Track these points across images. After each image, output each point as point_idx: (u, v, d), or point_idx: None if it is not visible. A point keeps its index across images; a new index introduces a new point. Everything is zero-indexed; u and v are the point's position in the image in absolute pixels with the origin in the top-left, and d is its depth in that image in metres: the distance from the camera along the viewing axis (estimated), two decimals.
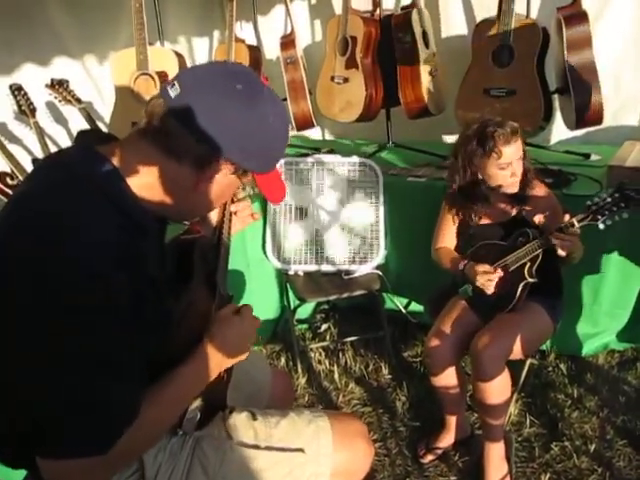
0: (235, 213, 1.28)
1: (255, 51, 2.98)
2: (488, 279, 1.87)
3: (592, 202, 1.70)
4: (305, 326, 2.92)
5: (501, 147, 1.84)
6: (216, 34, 3.44)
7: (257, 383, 1.45)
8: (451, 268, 2.06)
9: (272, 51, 3.26)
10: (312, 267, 2.61)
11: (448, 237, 2.14)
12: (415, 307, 2.80)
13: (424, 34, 2.64)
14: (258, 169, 1.00)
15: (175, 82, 0.92)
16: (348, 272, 2.61)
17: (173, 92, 0.91)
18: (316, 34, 3.27)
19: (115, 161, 0.92)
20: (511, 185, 1.92)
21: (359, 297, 2.60)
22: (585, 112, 2.40)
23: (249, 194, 1.19)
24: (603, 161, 2.57)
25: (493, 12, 2.58)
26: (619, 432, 2.07)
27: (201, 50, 3.42)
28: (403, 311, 2.76)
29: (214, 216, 1.27)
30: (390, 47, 2.63)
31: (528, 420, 2.15)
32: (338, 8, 2.93)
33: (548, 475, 1.94)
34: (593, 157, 2.64)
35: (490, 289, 1.89)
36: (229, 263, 1.27)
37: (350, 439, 1.22)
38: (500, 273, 1.88)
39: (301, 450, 1.14)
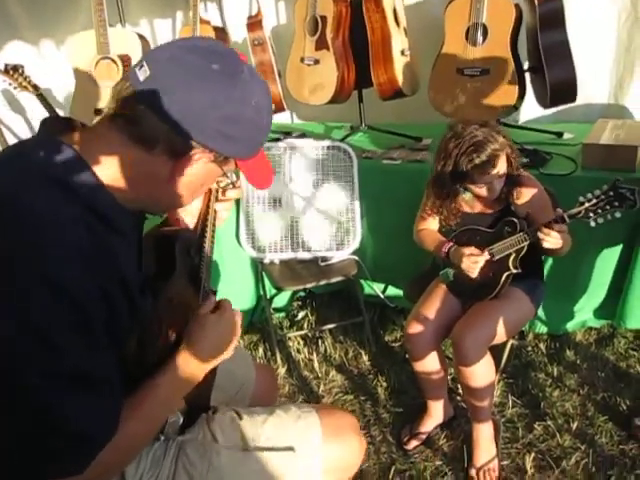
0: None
1: (221, 33, 2.87)
2: (474, 261, 1.84)
3: (585, 198, 1.67)
4: (282, 315, 2.87)
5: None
6: (179, 15, 3.31)
7: (240, 380, 1.39)
8: (435, 250, 2.03)
9: (238, 33, 3.15)
10: (288, 255, 2.56)
11: (431, 219, 2.10)
12: (393, 291, 2.77)
13: (395, 12, 2.57)
14: (240, 155, 0.93)
15: (144, 63, 0.84)
16: (325, 259, 2.56)
17: (142, 74, 0.83)
18: (283, 14, 3.17)
19: (80, 150, 0.84)
20: (491, 196, 1.88)
21: (336, 283, 2.56)
22: (559, 90, 2.38)
23: (231, 181, 1.10)
24: (576, 139, 2.57)
25: None
26: (600, 409, 2.09)
27: (164, 32, 3.29)
28: (381, 296, 2.73)
29: (196, 205, 1.18)
30: (361, 26, 2.56)
31: (510, 401, 2.15)
32: None
33: (533, 455, 1.94)
34: (566, 135, 2.64)
35: (474, 272, 1.86)
36: None
37: (341, 434, 1.17)
38: (487, 256, 1.85)
39: (291, 449, 1.09)
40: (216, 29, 2.84)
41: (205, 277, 1.16)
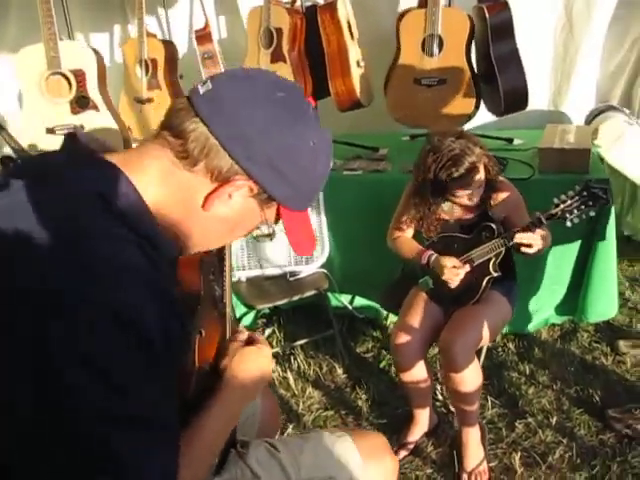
0: None
1: (170, 46, 2.78)
2: (456, 274, 1.86)
3: (559, 200, 1.73)
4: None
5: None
6: (117, 29, 3.18)
7: (248, 409, 1.32)
8: (413, 258, 2.03)
9: (183, 46, 3.06)
10: (255, 272, 2.49)
11: (408, 227, 2.10)
12: (360, 302, 2.77)
13: (349, 23, 2.59)
14: (287, 201, 0.83)
15: (208, 80, 0.79)
16: (293, 273, 2.52)
17: (203, 88, 0.77)
18: (230, 27, 3.11)
19: (123, 168, 0.76)
20: (471, 204, 1.92)
21: (301, 298, 2.52)
22: (512, 98, 2.48)
23: (269, 232, 0.97)
24: (527, 145, 2.69)
25: (411, 3, 2.61)
26: (574, 402, 2.17)
27: (101, 47, 3.14)
28: (349, 308, 2.72)
29: None
30: (316, 38, 2.55)
31: (489, 402, 2.19)
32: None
33: (519, 454, 1.98)
34: (516, 141, 2.75)
35: (455, 283, 1.89)
36: None
37: (377, 455, 1.14)
38: (467, 268, 1.88)
39: (332, 478, 1.04)
40: (164, 42, 2.74)
41: (230, 304, 1.10)
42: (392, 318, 2.62)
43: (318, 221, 2.54)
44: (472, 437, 1.93)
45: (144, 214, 0.76)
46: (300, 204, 0.85)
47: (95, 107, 2.13)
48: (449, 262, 1.89)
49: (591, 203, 1.70)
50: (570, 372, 2.32)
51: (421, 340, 1.96)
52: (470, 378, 1.84)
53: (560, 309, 2.55)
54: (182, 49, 3.06)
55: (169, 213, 0.80)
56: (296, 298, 2.42)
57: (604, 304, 2.41)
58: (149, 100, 2.71)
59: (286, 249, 2.54)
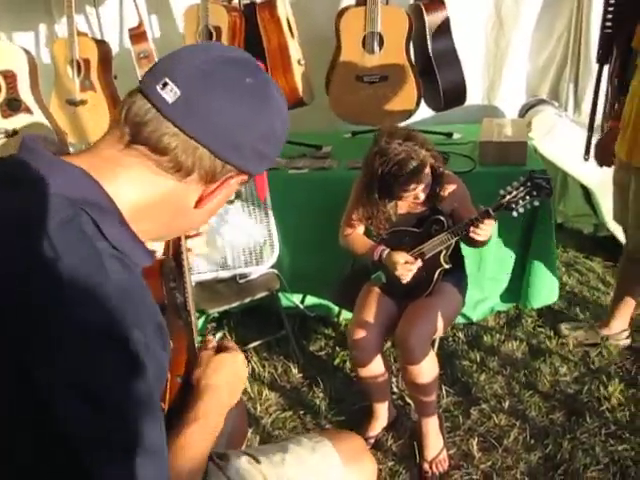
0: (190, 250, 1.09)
1: (103, 46, 2.66)
2: (408, 269, 1.89)
3: (505, 191, 1.78)
4: (198, 339, 2.72)
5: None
6: (42, 29, 3.02)
7: None
8: (365, 254, 2.05)
9: (114, 45, 2.95)
10: (206, 275, 2.43)
11: (359, 223, 2.11)
12: (311, 301, 2.76)
13: (288, 22, 2.57)
14: (262, 171, 0.86)
15: (167, 81, 0.72)
16: (243, 275, 2.48)
17: (169, 95, 0.72)
18: (165, 25, 3.02)
19: (101, 181, 0.71)
20: (417, 202, 1.95)
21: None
22: (452, 93, 2.55)
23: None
24: (465, 138, 2.77)
25: (349, 1, 2.63)
26: (524, 385, 2.25)
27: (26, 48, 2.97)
28: (301, 307, 2.71)
29: None
30: (256, 36, 2.52)
31: (444, 391, 2.24)
32: None
33: (476, 439, 2.04)
34: (455, 135, 2.82)
35: (407, 279, 1.91)
36: None
37: (356, 457, 1.14)
38: (420, 263, 1.91)
39: None
40: (97, 41, 2.62)
41: (193, 312, 1.06)
42: (344, 315, 2.64)
43: (267, 222, 2.51)
44: (431, 427, 1.97)
45: (120, 224, 0.72)
46: (267, 166, 0.87)
47: (28, 110, 2.01)
48: (401, 258, 1.91)
49: (535, 193, 1.76)
50: (518, 357, 2.41)
51: (377, 335, 1.97)
52: (427, 369, 1.87)
53: (505, 297, 2.64)
54: (114, 48, 2.95)
55: (150, 220, 0.77)
56: (248, 300, 2.39)
57: (546, 290, 2.52)
58: (82, 102, 2.59)
59: (236, 252, 2.50)
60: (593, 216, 3.12)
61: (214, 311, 2.44)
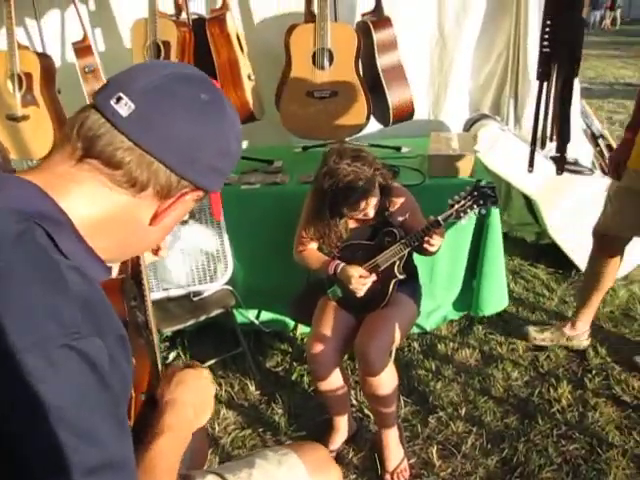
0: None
1: (46, 59, 2.58)
2: (363, 283, 1.91)
3: (453, 200, 1.83)
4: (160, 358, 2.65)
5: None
6: None
7: None
8: (320, 269, 2.06)
9: (56, 59, 2.85)
10: (159, 294, 2.38)
11: (310, 240, 2.12)
12: (266, 316, 2.74)
13: (238, 37, 2.57)
14: (218, 187, 0.85)
15: (122, 95, 0.71)
16: (197, 293, 2.44)
17: (124, 109, 0.71)
18: (110, 39, 2.96)
19: (54, 196, 0.70)
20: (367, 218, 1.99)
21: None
22: (400, 109, 2.61)
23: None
24: (414, 152, 2.84)
25: (299, 17, 2.65)
26: (478, 392, 2.31)
27: None
28: (256, 322, 2.69)
29: None
30: (206, 51, 2.50)
31: (402, 401, 2.27)
32: (131, 11, 2.69)
33: (435, 447, 2.07)
34: (404, 149, 2.89)
35: (362, 293, 1.94)
36: None
37: (321, 468, 1.13)
38: (374, 277, 1.93)
39: None
40: (39, 55, 2.54)
41: (155, 331, 1.05)
42: (301, 329, 2.64)
43: (220, 238, 2.48)
44: (392, 438, 1.99)
45: (76, 238, 0.71)
46: (222, 183, 0.87)
47: None
48: (356, 272, 1.93)
49: (482, 202, 1.83)
50: (471, 364, 2.47)
51: (336, 348, 1.98)
52: (387, 380, 1.89)
53: (457, 305, 2.71)
54: (57, 62, 2.86)
55: (105, 236, 0.75)
56: (202, 318, 2.35)
57: (496, 297, 2.60)
58: (24, 117, 2.49)
59: (189, 269, 2.46)
60: (535, 225, 3.26)
61: (168, 330, 2.38)
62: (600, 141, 3.44)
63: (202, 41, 2.50)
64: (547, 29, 2.21)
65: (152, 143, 0.72)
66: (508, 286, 2.84)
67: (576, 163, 2.97)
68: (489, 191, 1.82)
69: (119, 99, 0.72)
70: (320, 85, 2.52)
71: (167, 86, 0.74)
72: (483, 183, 1.85)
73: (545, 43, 2.24)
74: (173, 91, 0.74)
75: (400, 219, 2.03)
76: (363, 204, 1.89)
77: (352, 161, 1.86)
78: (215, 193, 0.92)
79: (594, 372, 2.36)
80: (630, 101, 8.06)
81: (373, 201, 1.92)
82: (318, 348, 1.96)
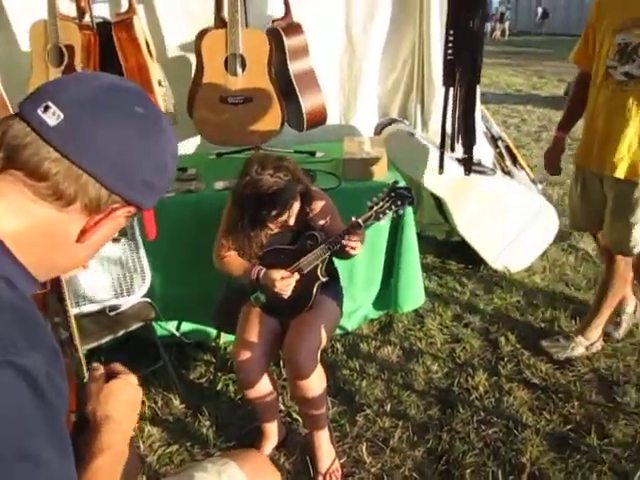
0: None
1: None
2: (287, 284, 1.92)
3: (372, 202, 1.88)
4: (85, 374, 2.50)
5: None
6: None
7: None
8: (243, 276, 2.04)
9: None
10: (71, 310, 2.25)
11: (231, 248, 2.09)
12: (187, 327, 2.68)
13: (147, 42, 2.50)
14: (151, 204, 0.82)
15: (50, 104, 0.68)
16: (114, 307, 2.34)
17: (51, 119, 0.67)
18: (4, 42, 2.77)
19: None
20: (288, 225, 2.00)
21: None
22: (313, 114, 2.64)
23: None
24: (327, 156, 2.88)
25: (208, 22, 2.63)
26: (401, 387, 2.38)
27: None
28: (177, 334, 2.62)
29: None
30: (113, 57, 2.42)
31: (329, 401, 2.29)
32: (27, 13, 2.54)
33: (364, 445, 2.11)
34: (318, 154, 2.93)
35: (287, 294, 1.94)
36: None
37: (261, 474, 1.13)
38: (297, 276, 1.94)
39: None
40: None
41: (79, 344, 1.00)
42: (224, 338, 2.59)
43: (136, 250, 2.39)
44: (323, 440, 2.00)
45: (2, 250, 0.67)
46: (156, 200, 0.84)
47: None
48: (278, 274, 1.94)
49: (399, 202, 1.89)
50: (393, 360, 2.54)
51: (262, 354, 1.97)
52: (316, 383, 1.91)
53: (376, 304, 2.78)
54: None
55: (30, 252, 0.71)
56: (121, 333, 2.25)
57: (413, 295, 2.70)
58: None
59: (104, 283, 2.35)
60: (445, 224, 3.41)
61: (84, 348, 2.26)
62: (499, 143, 3.67)
63: (108, 46, 2.41)
64: (450, 38, 2.34)
65: (81, 155, 0.68)
66: (423, 283, 2.95)
67: (480, 164, 3.15)
68: (405, 192, 1.89)
69: (47, 108, 0.68)
70: (233, 91, 2.50)
71: (99, 97, 0.71)
72: (399, 184, 1.92)
73: (449, 51, 2.37)
74: (105, 102, 0.71)
75: (321, 223, 2.05)
76: (286, 215, 1.91)
77: (274, 171, 1.85)
78: (148, 210, 0.89)
79: (506, 359, 2.51)
80: (522, 106, 8.69)
81: (295, 210, 1.95)
82: (244, 355, 1.94)
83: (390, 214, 1.90)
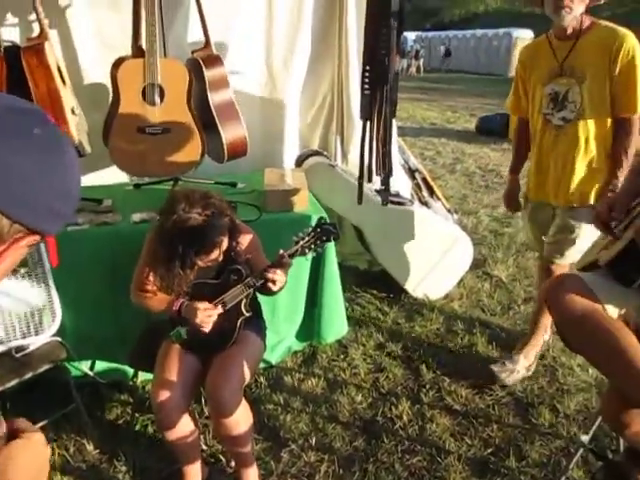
0: None
1: None
2: (209, 315, 1.87)
3: (298, 237, 1.88)
4: None
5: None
6: None
7: None
8: (164, 310, 1.97)
9: None
10: None
11: (152, 284, 2.02)
12: (102, 366, 2.54)
13: (59, 70, 2.41)
14: (56, 231, 0.77)
15: None
16: (20, 348, 2.17)
17: None
18: None
19: None
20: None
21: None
22: (234, 146, 2.63)
23: None
24: (249, 187, 2.87)
25: (125, 50, 2.58)
26: (326, 419, 2.36)
27: None
28: (90, 374, 2.47)
29: None
30: (22, 83, 2.30)
31: (253, 439, 2.23)
32: None
33: None
34: (239, 185, 2.91)
35: (209, 326, 1.89)
36: None
37: None
38: (220, 309, 1.90)
39: None
40: None
41: None
42: (142, 377, 2.48)
43: (45, 284, 2.26)
44: (252, 476, 1.95)
45: None
46: (61, 227, 0.80)
47: None
48: (201, 305, 1.89)
49: (325, 238, 1.91)
50: (318, 393, 2.52)
51: (183, 394, 1.89)
52: (241, 420, 1.86)
53: (300, 336, 2.76)
54: None
55: None
56: (28, 376, 2.10)
57: (336, 325, 2.71)
58: None
59: (9, 322, 2.19)
60: (367, 254, 3.47)
61: None
62: (416, 175, 3.81)
63: (17, 71, 2.29)
64: (367, 74, 2.42)
65: None
66: (346, 313, 2.98)
67: (398, 195, 3.25)
68: (331, 227, 1.91)
69: None
70: (151, 121, 2.45)
71: None
72: (324, 220, 1.94)
73: (366, 86, 2.45)
74: (3, 126, 0.67)
75: (245, 257, 2.02)
76: (217, 253, 1.88)
77: (203, 209, 1.81)
78: (50, 237, 0.83)
79: (428, 386, 2.56)
80: (437, 139, 9.09)
81: (225, 246, 1.91)
82: (164, 395, 1.86)
83: (315, 248, 1.91)
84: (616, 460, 1.88)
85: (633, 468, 1.68)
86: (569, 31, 2.23)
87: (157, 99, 2.43)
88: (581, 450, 1.99)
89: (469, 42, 30.65)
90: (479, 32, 30.48)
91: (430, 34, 33.83)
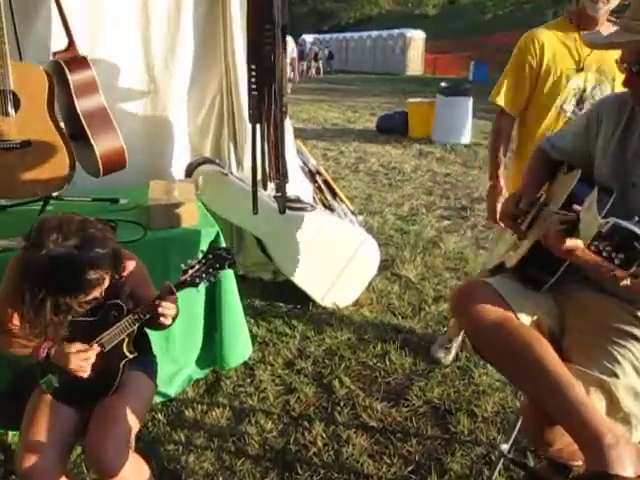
0: None
1: None
2: (85, 358, 1.59)
3: (187, 265, 1.63)
4: None
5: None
6: None
7: None
8: (28, 356, 1.65)
9: None
10: None
11: (14, 326, 1.70)
12: None
13: None
14: None
15: None
16: None
17: None
18: None
19: None
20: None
21: None
22: (109, 157, 2.33)
23: None
24: (132, 203, 2.58)
25: None
26: (234, 454, 2.13)
27: None
28: None
29: None
30: None
31: None
32: None
33: None
34: (122, 201, 2.62)
35: (86, 371, 1.61)
36: None
37: None
38: (97, 348, 1.62)
39: None
40: None
41: None
42: (10, 436, 2.13)
43: None
44: None
45: None
46: None
47: None
48: (73, 347, 1.61)
49: (218, 265, 1.67)
50: (223, 424, 2.28)
51: (55, 456, 1.58)
52: (133, 476, 1.60)
53: (200, 363, 2.51)
54: None
55: None
56: None
57: (240, 347, 2.49)
58: None
59: None
60: (271, 263, 3.27)
61: None
62: (317, 177, 3.66)
63: None
64: (253, 73, 2.22)
65: None
66: (251, 331, 2.76)
67: (299, 200, 3.07)
68: (224, 253, 1.67)
69: None
70: (7, 134, 2.11)
71: None
72: (218, 245, 1.70)
73: (253, 86, 2.25)
74: None
75: (128, 289, 1.75)
76: (97, 292, 1.59)
77: (82, 243, 1.52)
78: None
79: (342, 403, 2.40)
80: (339, 139, 9.05)
81: (106, 284, 1.62)
82: (30, 461, 1.54)
83: (207, 277, 1.66)
84: (537, 469, 1.81)
85: (555, 476, 1.61)
86: (598, 25, 2.10)
87: (11, 109, 2.10)
88: (502, 459, 1.90)
89: (365, 43, 31.37)
90: (374, 33, 31.31)
91: (328, 36, 34.32)
